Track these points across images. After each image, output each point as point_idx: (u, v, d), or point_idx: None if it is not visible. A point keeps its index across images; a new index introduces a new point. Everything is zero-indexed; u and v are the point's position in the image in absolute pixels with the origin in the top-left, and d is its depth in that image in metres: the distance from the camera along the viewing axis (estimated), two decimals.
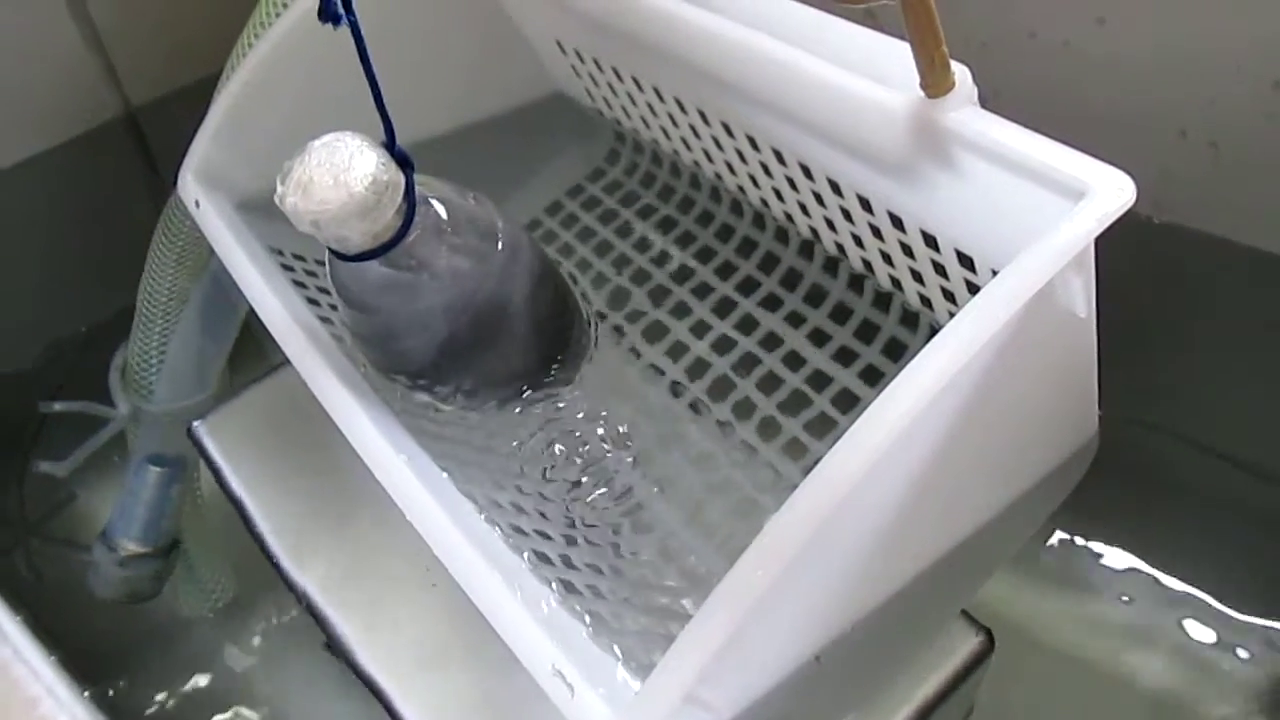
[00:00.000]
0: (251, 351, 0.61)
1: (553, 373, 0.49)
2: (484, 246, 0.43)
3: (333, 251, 0.41)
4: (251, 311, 0.46)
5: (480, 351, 0.45)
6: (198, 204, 0.50)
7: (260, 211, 0.52)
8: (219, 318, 0.60)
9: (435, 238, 0.41)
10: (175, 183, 0.52)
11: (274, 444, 0.54)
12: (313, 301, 0.49)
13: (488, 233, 0.43)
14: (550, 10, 0.54)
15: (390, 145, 0.39)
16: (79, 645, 0.48)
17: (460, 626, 0.46)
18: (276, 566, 0.50)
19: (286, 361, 0.45)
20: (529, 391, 0.49)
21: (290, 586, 0.49)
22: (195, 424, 0.55)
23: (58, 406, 0.60)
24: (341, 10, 0.36)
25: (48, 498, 0.56)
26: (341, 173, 0.37)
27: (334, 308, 0.50)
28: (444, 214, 0.42)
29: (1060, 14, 0.52)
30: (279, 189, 0.38)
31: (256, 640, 0.48)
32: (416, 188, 0.40)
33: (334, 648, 0.47)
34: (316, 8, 0.50)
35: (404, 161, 0.39)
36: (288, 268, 0.50)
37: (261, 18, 0.54)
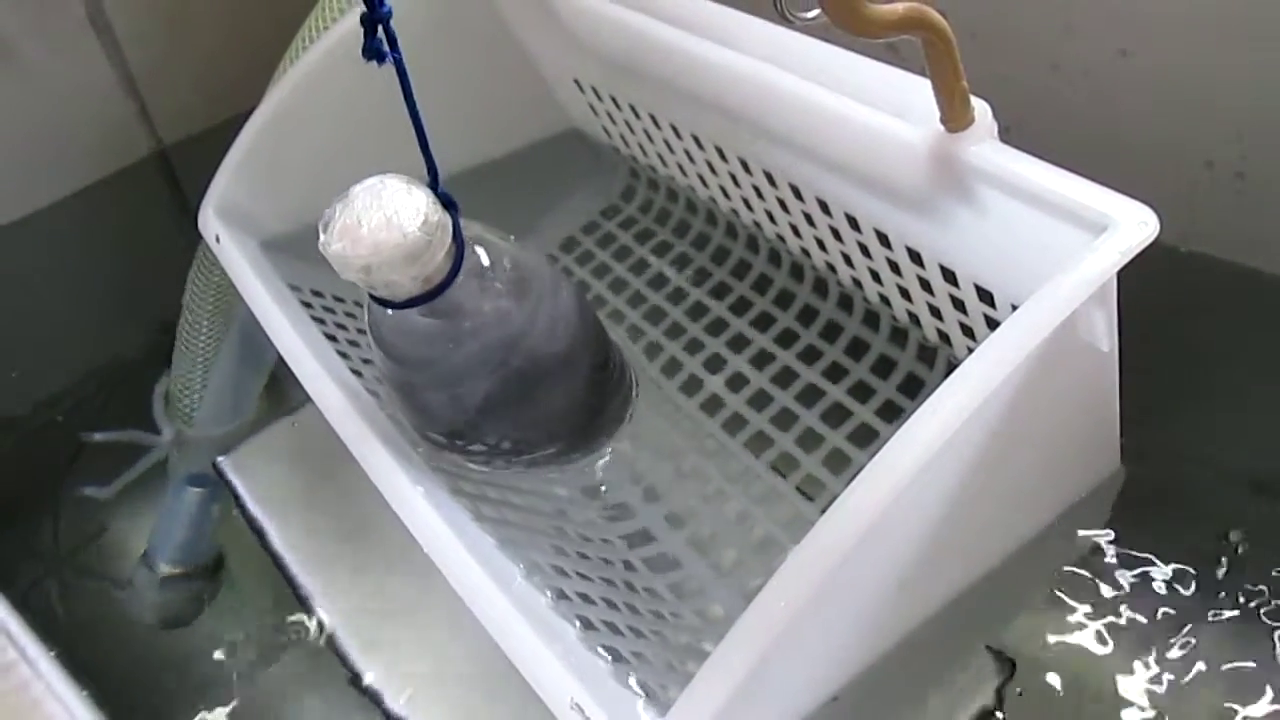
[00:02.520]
0: (270, 386, 0.61)
1: (593, 430, 0.47)
2: (527, 290, 0.41)
3: (377, 300, 0.39)
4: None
5: (522, 404, 0.43)
6: (218, 239, 0.51)
7: (283, 249, 0.52)
8: (258, 345, 0.60)
9: (479, 282, 0.39)
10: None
11: (297, 479, 0.55)
12: (331, 337, 0.49)
13: (530, 276, 0.41)
14: (569, 49, 0.54)
15: (434, 186, 0.37)
16: (109, 679, 0.48)
17: (484, 661, 0.46)
18: (302, 601, 0.50)
19: (309, 398, 0.45)
20: (569, 454, 0.47)
21: (319, 622, 0.49)
22: (220, 459, 0.56)
23: (99, 436, 0.60)
24: (386, 49, 0.34)
25: (79, 530, 0.56)
26: (392, 214, 0.36)
27: (353, 344, 0.50)
28: (486, 258, 0.40)
29: (1083, 46, 0.52)
30: (322, 237, 0.36)
31: (285, 676, 0.48)
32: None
33: (358, 683, 0.47)
34: (337, 48, 0.52)
35: (448, 203, 0.38)
36: (306, 304, 0.51)
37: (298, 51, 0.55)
